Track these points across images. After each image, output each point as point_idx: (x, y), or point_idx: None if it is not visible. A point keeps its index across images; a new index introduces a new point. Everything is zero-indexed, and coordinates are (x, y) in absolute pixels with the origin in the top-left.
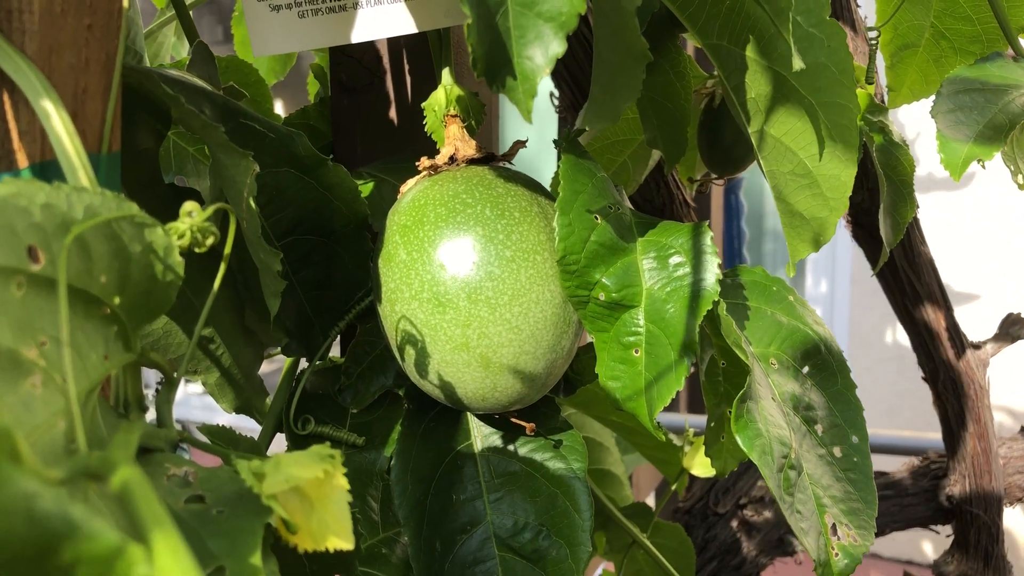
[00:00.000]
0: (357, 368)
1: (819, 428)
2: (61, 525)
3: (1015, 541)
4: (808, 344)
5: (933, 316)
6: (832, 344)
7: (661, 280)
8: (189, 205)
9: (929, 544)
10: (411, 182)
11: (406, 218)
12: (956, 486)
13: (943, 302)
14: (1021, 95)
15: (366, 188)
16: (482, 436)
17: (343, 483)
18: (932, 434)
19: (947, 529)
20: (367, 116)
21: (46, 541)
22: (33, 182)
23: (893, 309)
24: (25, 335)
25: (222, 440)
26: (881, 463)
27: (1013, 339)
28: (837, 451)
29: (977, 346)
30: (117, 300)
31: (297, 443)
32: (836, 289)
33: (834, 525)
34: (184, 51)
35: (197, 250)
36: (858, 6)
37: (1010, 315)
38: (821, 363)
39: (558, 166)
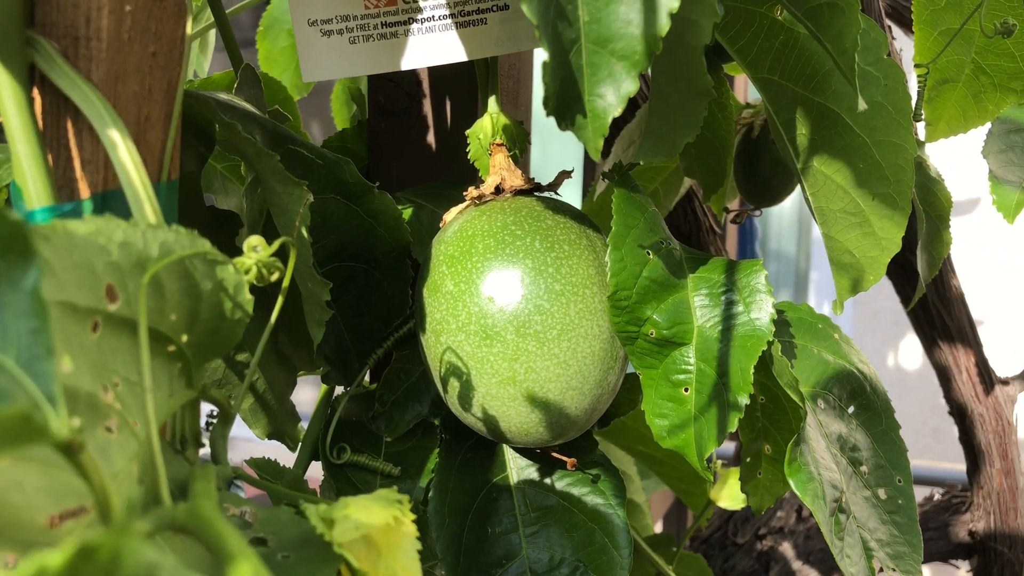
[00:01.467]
0: (392, 396)
1: (864, 469)
2: None
3: None
4: (854, 383)
5: (962, 352)
6: (877, 384)
7: (713, 318)
8: (255, 240)
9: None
10: (455, 211)
11: (453, 248)
12: (980, 522)
13: (973, 337)
14: None
15: (405, 214)
16: (518, 468)
17: (412, 530)
18: (937, 463)
19: (963, 565)
20: (405, 140)
21: None
22: (111, 219)
23: (921, 343)
24: (101, 377)
25: (267, 472)
26: None
27: None
28: (882, 493)
29: (1005, 382)
30: (185, 338)
31: (333, 472)
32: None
33: (881, 569)
34: (206, 66)
35: (258, 284)
36: (893, 38)
37: None
38: (866, 403)
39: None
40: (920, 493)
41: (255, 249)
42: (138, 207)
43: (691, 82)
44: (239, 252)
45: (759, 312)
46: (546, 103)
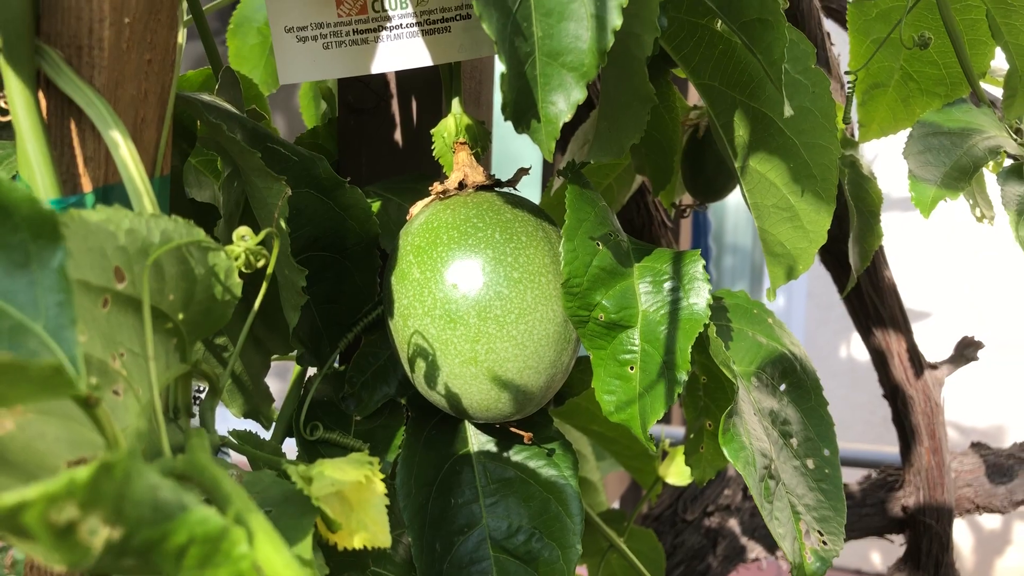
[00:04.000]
0: (361, 377)
1: (794, 441)
2: (178, 510)
3: (959, 551)
4: (785, 363)
5: (895, 338)
6: (807, 363)
7: (656, 303)
8: (243, 230)
9: (878, 554)
10: (421, 204)
11: (420, 239)
12: (911, 497)
13: (904, 325)
14: (983, 139)
15: (373, 207)
16: (479, 444)
17: (381, 487)
18: (885, 447)
19: (897, 539)
20: (373, 137)
21: (167, 524)
22: (119, 209)
23: (857, 330)
24: (110, 347)
25: (248, 443)
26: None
27: (967, 360)
28: (810, 463)
29: (934, 367)
30: (181, 316)
31: (306, 448)
32: (792, 303)
33: (807, 531)
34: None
35: (246, 270)
36: (832, 44)
37: (964, 338)
38: (797, 381)
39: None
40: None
41: (243, 238)
42: (138, 200)
43: (636, 89)
44: (218, 241)
45: (697, 298)
46: (504, 110)
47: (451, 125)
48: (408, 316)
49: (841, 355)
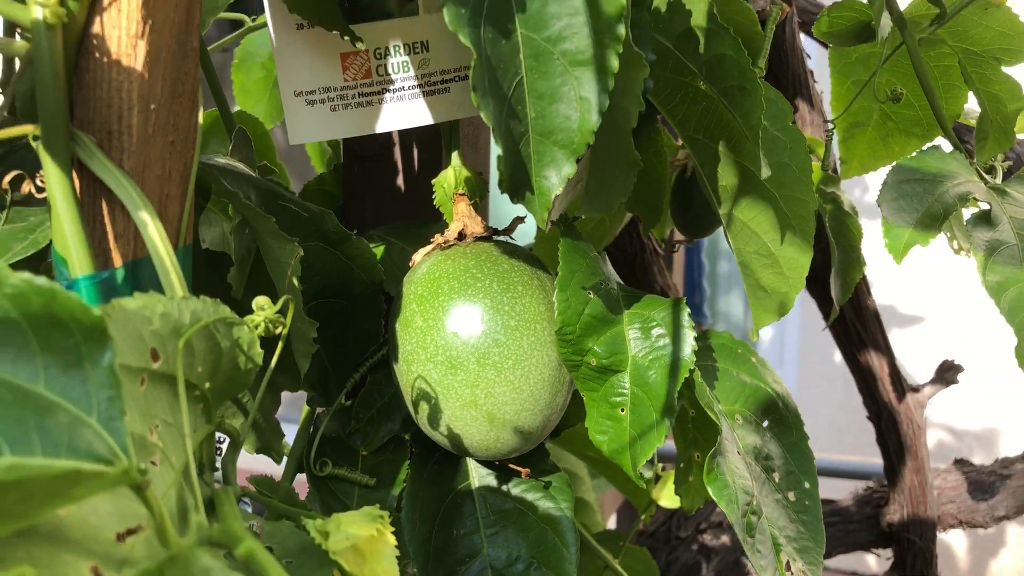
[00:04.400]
0: (367, 414)
1: (776, 475)
2: None
3: (954, 552)
4: (768, 401)
5: (877, 363)
6: (789, 400)
7: (644, 349)
8: (261, 300)
9: (872, 556)
10: (423, 252)
11: (422, 288)
12: (896, 514)
13: (886, 349)
14: (954, 186)
15: (377, 251)
16: (479, 477)
17: (391, 540)
18: (875, 459)
19: (885, 552)
20: (377, 183)
21: None
22: (154, 296)
23: (842, 354)
24: (147, 422)
25: (264, 487)
26: (828, 485)
27: (948, 383)
28: (791, 496)
29: (916, 389)
30: (208, 385)
31: (316, 483)
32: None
33: (788, 562)
34: None
35: (265, 335)
36: (815, 82)
37: (945, 361)
38: (779, 418)
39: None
40: (860, 487)
41: (262, 308)
42: (165, 276)
43: (623, 155)
44: (228, 286)
45: (683, 345)
46: (500, 184)
47: (451, 177)
48: (412, 361)
49: (836, 360)
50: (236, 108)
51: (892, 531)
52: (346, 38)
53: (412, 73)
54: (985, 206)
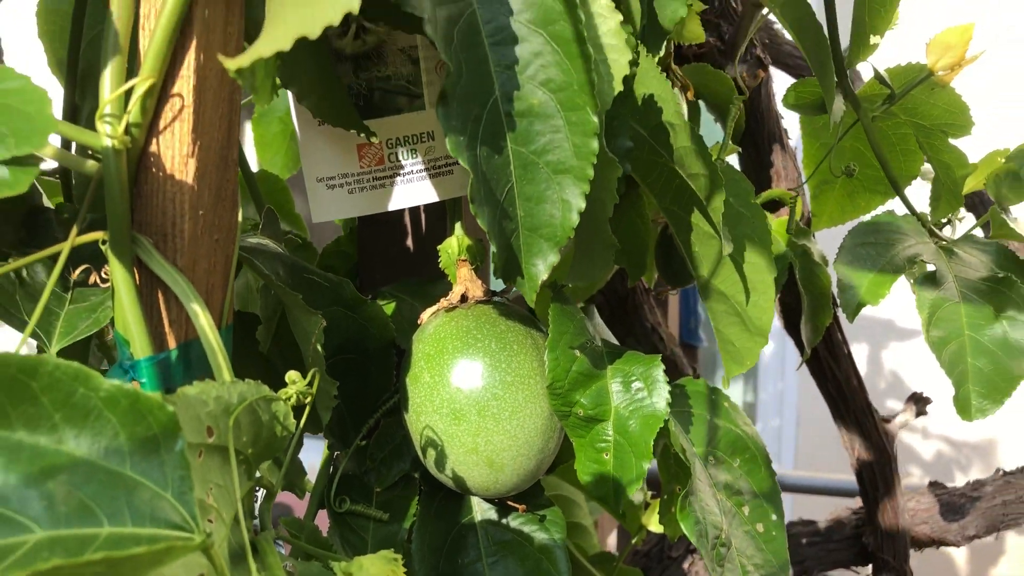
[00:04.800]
0: (380, 454)
1: (746, 509)
2: None
3: (955, 561)
4: (738, 442)
5: (851, 398)
6: (757, 440)
7: (625, 401)
8: (292, 375)
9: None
10: (430, 312)
11: (429, 347)
12: (871, 536)
13: (859, 386)
14: (905, 248)
15: (389, 307)
16: (482, 511)
17: None
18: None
19: (864, 570)
20: (388, 244)
21: None
22: (209, 383)
23: (818, 388)
24: (204, 487)
25: (293, 527)
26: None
27: (917, 414)
28: (760, 527)
29: (887, 420)
30: (250, 450)
31: (335, 518)
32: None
33: None
34: None
35: (295, 405)
36: (789, 139)
37: (914, 393)
38: (749, 456)
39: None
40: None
41: (294, 382)
42: (213, 357)
43: (602, 239)
44: (257, 343)
45: (658, 398)
46: (495, 272)
47: (454, 244)
48: (420, 412)
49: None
50: (248, 140)
51: (869, 551)
52: (361, 135)
53: (420, 159)
54: (932, 267)
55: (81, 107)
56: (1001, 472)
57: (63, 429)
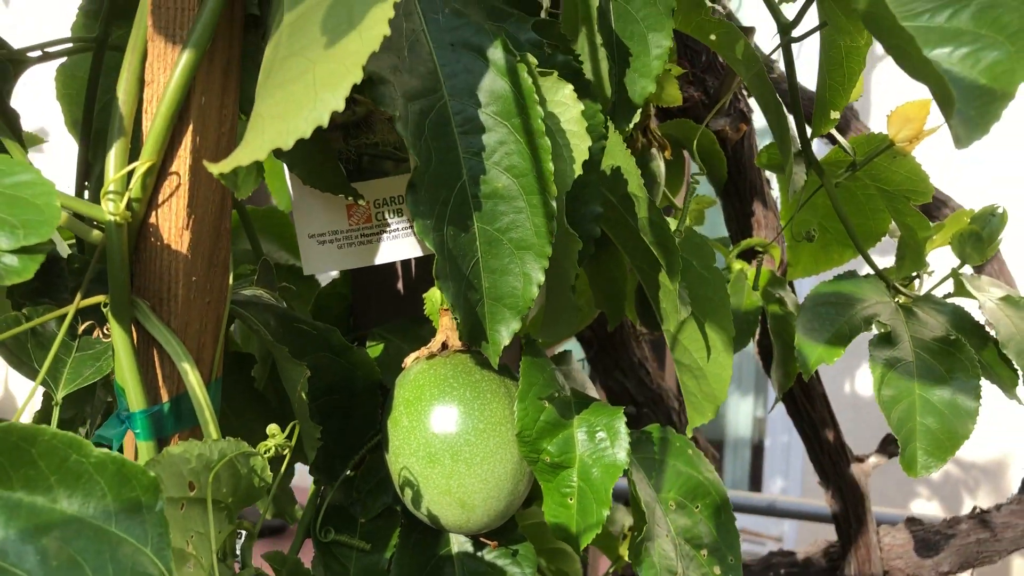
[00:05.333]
0: (366, 486)
1: (704, 552)
2: None
3: None
4: (700, 488)
5: (826, 437)
6: (719, 486)
7: (589, 450)
8: (272, 428)
9: None
10: (413, 357)
11: (408, 393)
12: (848, 569)
13: (833, 426)
14: (863, 309)
15: (377, 349)
16: (459, 543)
17: None
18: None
19: None
20: (380, 285)
21: None
22: (193, 442)
23: (796, 428)
24: (184, 535)
25: (275, 561)
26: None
27: (890, 455)
28: (717, 569)
29: (860, 459)
30: (230, 500)
31: (321, 547)
32: None
33: None
34: None
35: (274, 456)
36: (771, 188)
37: (888, 435)
38: (709, 501)
39: None
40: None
41: (274, 436)
42: (200, 412)
43: (567, 302)
44: (253, 379)
45: (619, 449)
46: (460, 336)
47: (436, 295)
48: (399, 454)
49: (845, 391)
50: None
51: None
52: (350, 198)
53: (405, 217)
54: (889, 326)
55: (93, 164)
56: (1011, 500)
57: (57, 490)
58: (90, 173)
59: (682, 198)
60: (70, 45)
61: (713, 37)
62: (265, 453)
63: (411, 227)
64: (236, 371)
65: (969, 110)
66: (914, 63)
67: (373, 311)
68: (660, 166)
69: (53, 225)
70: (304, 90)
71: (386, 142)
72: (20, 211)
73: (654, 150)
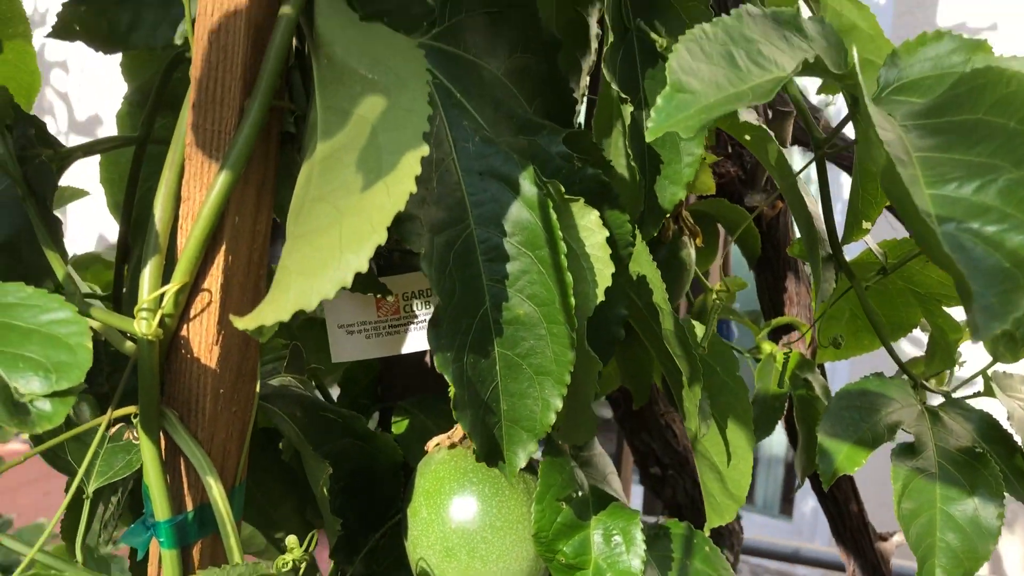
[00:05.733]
0: (385, 561)
1: None
2: None
3: None
4: None
5: (850, 518)
6: None
7: (604, 553)
8: (291, 540)
9: None
10: (434, 442)
11: (429, 484)
12: None
13: (858, 504)
14: (888, 414)
15: (402, 425)
16: None
17: None
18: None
19: None
20: (405, 361)
21: None
22: (212, 570)
23: (820, 506)
24: None
25: None
26: None
27: None
28: None
29: (884, 538)
30: None
31: None
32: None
33: None
34: None
35: (294, 569)
36: (804, 264)
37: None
38: None
39: None
40: None
41: (292, 550)
42: (222, 524)
43: (584, 412)
44: (280, 452)
45: (634, 556)
46: (477, 458)
47: None
48: (417, 545)
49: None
50: None
51: None
52: (379, 295)
53: (431, 309)
54: (912, 435)
55: (132, 248)
56: None
57: None
58: (129, 255)
59: (715, 274)
60: (115, 142)
61: (748, 137)
62: (283, 567)
63: None
64: (264, 444)
65: (990, 296)
66: (932, 250)
67: (399, 383)
68: (691, 254)
69: (85, 369)
70: (330, 246)
71: None
72: (53, 352)
73: (685, 237)
